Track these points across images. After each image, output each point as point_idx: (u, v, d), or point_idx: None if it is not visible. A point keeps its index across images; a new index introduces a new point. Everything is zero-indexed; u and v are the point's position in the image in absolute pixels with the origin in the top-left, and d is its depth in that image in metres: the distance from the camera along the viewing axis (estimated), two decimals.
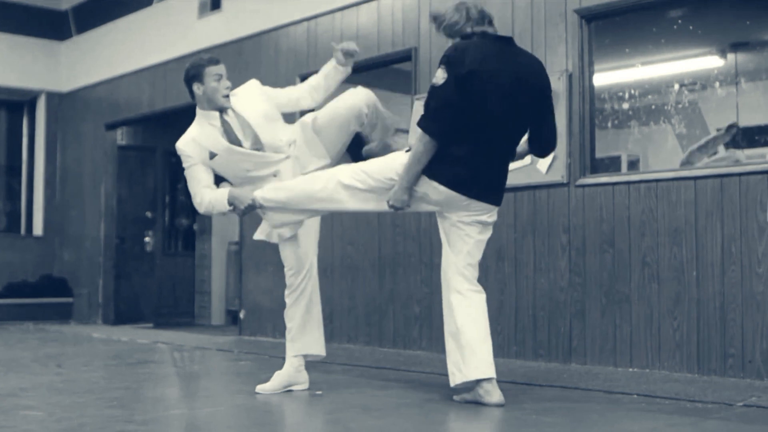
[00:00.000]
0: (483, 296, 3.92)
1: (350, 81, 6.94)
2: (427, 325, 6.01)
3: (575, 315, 5.24)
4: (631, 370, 4.94)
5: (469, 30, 3.82)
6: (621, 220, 5.09)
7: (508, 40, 3.88)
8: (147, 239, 10.24)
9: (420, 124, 3.73)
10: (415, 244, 6.19)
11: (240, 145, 4.20)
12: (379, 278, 6.44)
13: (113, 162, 9.74)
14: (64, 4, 10.42)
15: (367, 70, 6.87)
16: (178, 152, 4.24)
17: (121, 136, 10.18)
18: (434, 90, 3.70)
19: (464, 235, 3.88)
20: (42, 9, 10.31)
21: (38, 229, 10.34)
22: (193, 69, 4.23)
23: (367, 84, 4.41)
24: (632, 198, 5.06)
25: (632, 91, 8.27)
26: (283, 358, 4.38)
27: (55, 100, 10.41)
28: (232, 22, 8.03)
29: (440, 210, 3.91)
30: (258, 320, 7.41)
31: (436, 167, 3.74)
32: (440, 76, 3.67)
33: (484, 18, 3.84)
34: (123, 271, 9.84)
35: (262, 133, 4.20)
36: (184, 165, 4.25)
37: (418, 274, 6.15)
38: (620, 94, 8.25)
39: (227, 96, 4.22)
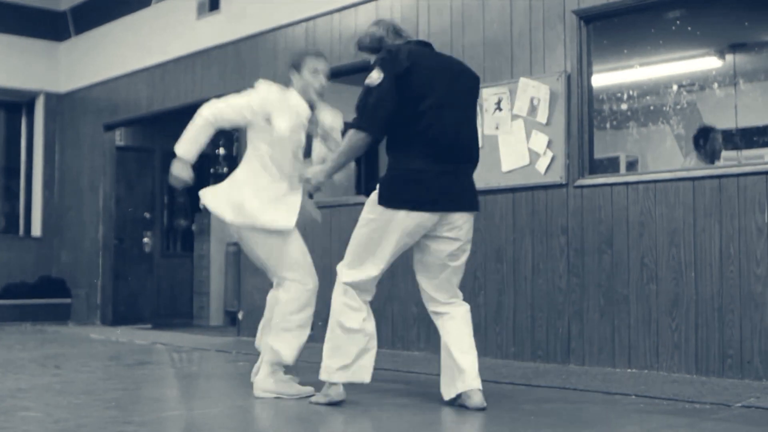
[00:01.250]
0: (465, 308, 3.94)
1: (350, 82, 6.92)
2: (425, 325, 6.00)
3: (573, 316, 5.24)
4: (629, 370, 4.94)
5: (391, 41, 3.92)
6: (619, 221, 5.09)
7: (431, 45, 4.01)
8: (145, 240, 10.24)
9: (354, 124, 3.74)
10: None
11: (310, 143, 4.19)
12: None
13: (112, 163, 9.73)
14: (63, 5, 10.41)
15: (365, 71, 6.87)
16: (256, 85, 4.19)
17: (119, 137, 10.18)
18: (370, 89, 3.71)
19: (438, 251, 3.93)
20: (40, 9, 10.30)
21: (36, 229, 10.33)
22: (295, 56, 4.27)
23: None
24: (631, 199, 5.06)
25: (631, 92, 8.28)
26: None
27: (54, 100, 10.40)
28: (231, 23, 8.02)
29: (423, 234, 3.89)
30: (256, 321, 7.31)
31: (395, 193, 3.73)
32: (375, 77, 3.70)
33: (401, 32, 4.00)
34: (121, 272, 9.83)
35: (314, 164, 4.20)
36: (244, 94, 4.17)
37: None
38: (619, 95, 8.26)
39: (320, 94, 4.21)
